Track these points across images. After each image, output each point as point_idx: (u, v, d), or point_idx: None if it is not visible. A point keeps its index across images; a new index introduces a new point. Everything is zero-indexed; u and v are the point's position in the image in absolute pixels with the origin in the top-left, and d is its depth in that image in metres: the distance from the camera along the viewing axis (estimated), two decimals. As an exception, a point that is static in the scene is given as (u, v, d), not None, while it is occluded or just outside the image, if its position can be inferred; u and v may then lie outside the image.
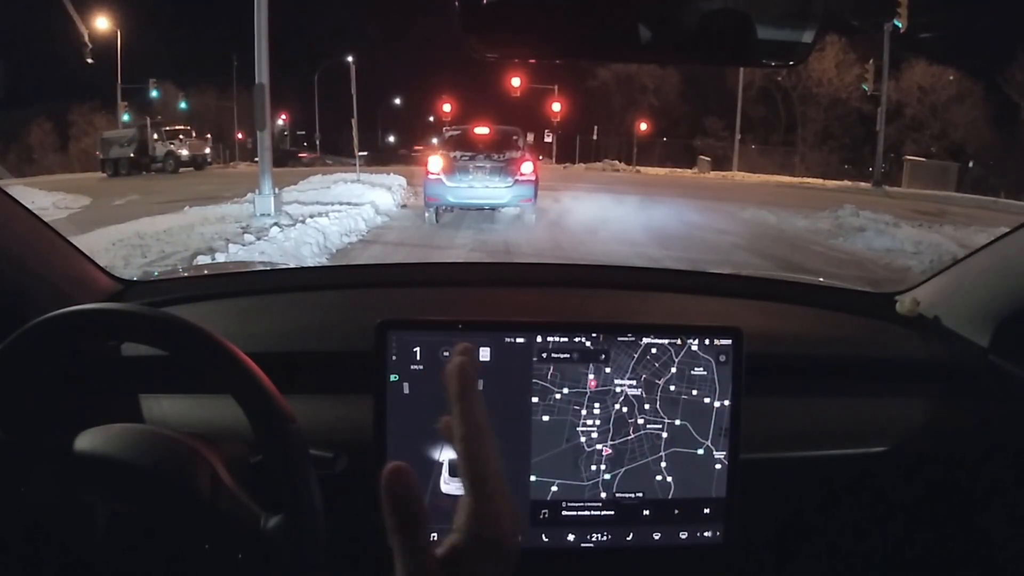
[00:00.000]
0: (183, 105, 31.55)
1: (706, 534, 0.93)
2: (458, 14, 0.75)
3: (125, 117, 29.28)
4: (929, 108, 29.42)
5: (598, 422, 0.92)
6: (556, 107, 34.05)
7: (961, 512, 1.16)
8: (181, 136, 27.58)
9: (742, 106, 31.91)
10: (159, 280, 1.40)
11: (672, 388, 0.92)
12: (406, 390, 0.90)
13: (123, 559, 0.71)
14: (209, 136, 30.48)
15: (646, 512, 0.93)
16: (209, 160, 29.35)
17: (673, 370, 0.92)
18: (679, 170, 32.07)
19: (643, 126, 36.49)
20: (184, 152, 27.31)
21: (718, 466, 0.93)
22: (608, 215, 11.65)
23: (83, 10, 23.92)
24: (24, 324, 0.74)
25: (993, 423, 1.15)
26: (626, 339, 0.92)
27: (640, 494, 0.92)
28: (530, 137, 12.80)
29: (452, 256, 8.07)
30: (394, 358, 0.90)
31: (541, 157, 22.34)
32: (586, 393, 0.92)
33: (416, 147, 28.08)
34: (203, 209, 11.01)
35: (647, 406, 0.92)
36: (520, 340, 0.91)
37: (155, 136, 26.26)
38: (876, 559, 1.17)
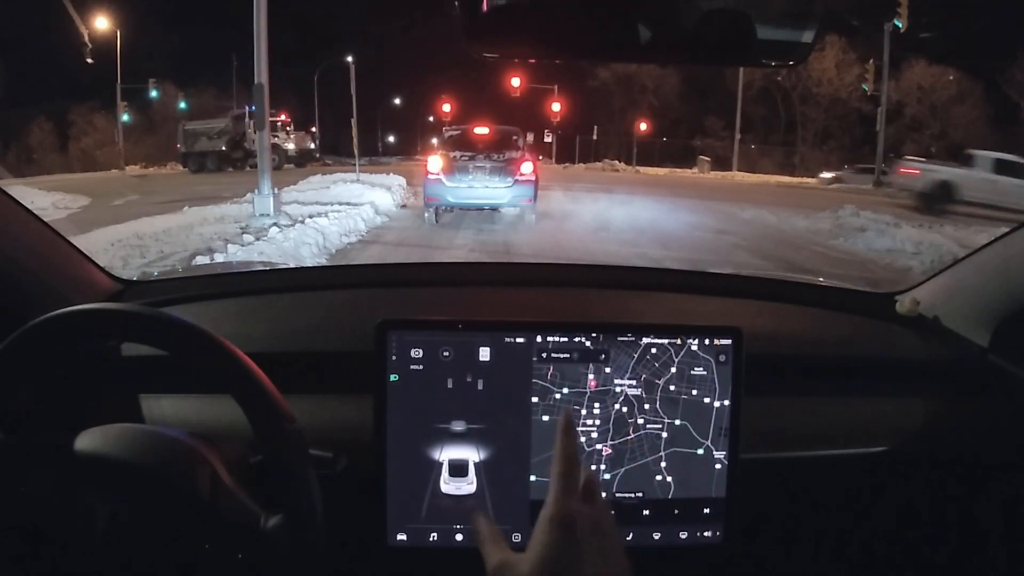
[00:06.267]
0: (183, 105, 31.34)
1: (706, 534, 0.93)
2: (458, 14, 0.75)
3: (125, 117, 28.97)
4: (929, 108, 29.46)
5: (598, 422, 0.92)
6: (556, 107, 34.01)
7: (961, 512, 1.16)
8: (287, 128, 24.54)
9: (742, 106, 31.92)
10: (159, 280, 1.40)
11: (672, 388, 0.92)
12: (406, 390, 0.90)
13: (123, 559, 0.71)
14: (315, 129, 27.10)
15: (646, 512, 0.93)
16: (317, 155, 25.97)
17: (673, 370, 0.92)
18: (679, 170, 32.09)
19: (643, 126, 36.55)
20: (290, 146, 24.34)
21: (718, 466, 0.93)
22: (608, 215, 11.66)
23: (83, 10, 23.86)
24: (24, 324, 0.74)
25: (993, 423, 1.15)
26: (626, 339, 0.92)
27: (640, 494, 0.92)
28: (530, 137, 12.76)
29: (452, 256, 8.07)
30: (394, 358, 0.90)
31: (541, 157, 22.28)
32: (586, 393, 0.92)
33: (418, 157, 27.02)
34: (202, 209, 11.00)
35: (647, 406, 0.92)
36: (520, 340, 0.91)
37: (253, 127, 24.29)
38: (876, 559, 1.17)
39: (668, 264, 7.49)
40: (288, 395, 0.76)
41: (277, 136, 23.46)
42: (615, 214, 11.84)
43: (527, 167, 10.33)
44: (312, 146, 26.01)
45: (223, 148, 24.18)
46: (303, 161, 24.68)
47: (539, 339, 0.91)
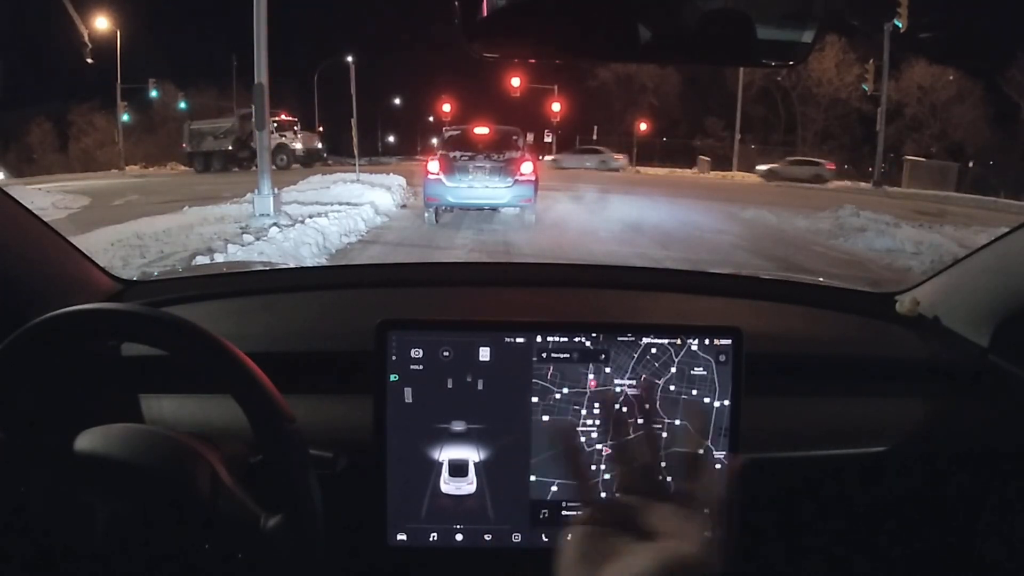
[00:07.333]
0: (183, 105, 31.26)
1: (706, 534, 0.93)
2: (458, 14, 0.75)
3: (125, 117, 28.94)
4: (929, 108, 29.47)
5: (598, 422, 0.92)
6: (556, 107, 34.07)
7: (961, 512, 1.16)
8: (294, 128, 24.48)
9: (742, 106, 31.92)
10: (159, 280, 1.40)
11: (672, 388, 0.92)
12: (406, 390, 0.90)
13: (123, 559, 0.71)
14: (321, 128, 27.36)
15: None
16: (324, 155, 25.96)
17: (673, 370, 0.92)
18: (679, 170, 32.11)
19: (643, 126, 36.55)
20: (298, 146, 24.24)
21: (718, 466, 0.93)
22: (608, 215, 11.65)
23: (83, 10, 23.84)
24: (24, 324, 0.74)
25: (993, 423, 1.15)
26: (626, 339, 0.92)
27: None
28: (530, 137, 12.77)
29: (452, 256, 8.07)
30: (394, 358, 0.90)
31: (541, 157, 22.29)
32: (586, 393, 0.91)
33: (418, 157, 26.88)
34: (202, 209, 11.00)
35: (647, 406, 0.92)
36: (520, 340, 0.91)
37: None
38: (876, 559, 1.17)
39: (668, 264, 7.49)
40: (288, 395, 0.76)
41: (285, 136, 23.26)
42: (615, 214, 11.83)
43: (527, 167, 10.33)
44: (319, 146, 25.94)
45: (229, 148, 24.10)
46: (310, 161, 24.53)
47: (539, 339, 0.91)
